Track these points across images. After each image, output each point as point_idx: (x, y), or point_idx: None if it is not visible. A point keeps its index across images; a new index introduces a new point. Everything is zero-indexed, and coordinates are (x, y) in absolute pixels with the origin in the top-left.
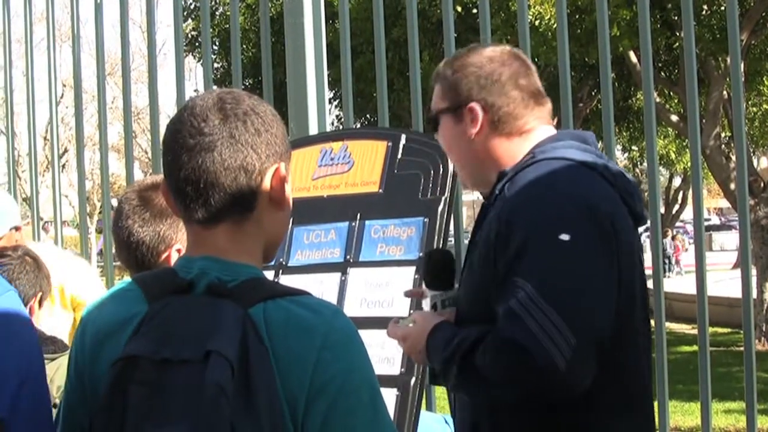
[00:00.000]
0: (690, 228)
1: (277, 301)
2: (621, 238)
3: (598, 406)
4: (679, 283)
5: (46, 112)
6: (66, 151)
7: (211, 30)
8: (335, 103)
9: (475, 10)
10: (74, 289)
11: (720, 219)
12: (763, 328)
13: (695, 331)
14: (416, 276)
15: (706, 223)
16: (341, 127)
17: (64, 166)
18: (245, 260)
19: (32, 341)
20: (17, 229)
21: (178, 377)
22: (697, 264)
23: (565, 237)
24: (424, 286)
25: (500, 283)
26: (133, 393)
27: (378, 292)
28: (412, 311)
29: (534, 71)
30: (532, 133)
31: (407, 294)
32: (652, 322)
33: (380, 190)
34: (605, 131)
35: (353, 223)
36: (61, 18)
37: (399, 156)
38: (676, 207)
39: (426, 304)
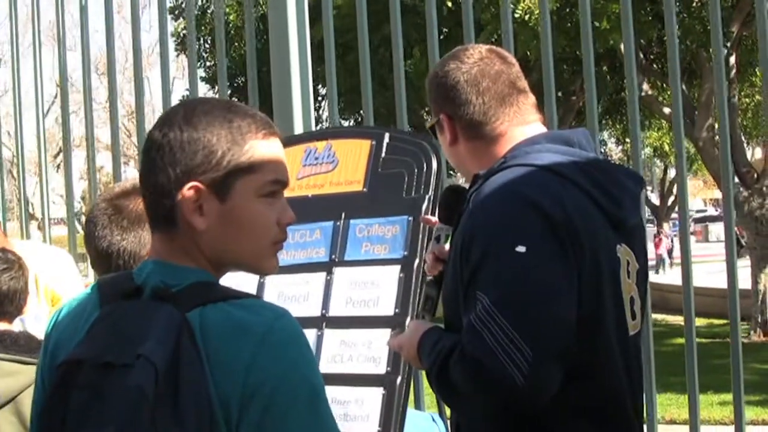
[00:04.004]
0: None
1: (217, 305)
2: (583, 245)
3: (573, 414)
4: (675, 275)
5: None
6: (60, 151)
7: (202, 28)
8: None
9: None
10: (50, 282)
11: (716, 210)
12: (759, 319)
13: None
14: (401, 275)
15: (702, 215)
16: (340, 122)
17: (59, 166)
18: (192, 265)
19: None
20: None
21: (115, 381)
22: (682, 258)
23: (521, 249)
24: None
25: (464, 294)
26: (74, 397)
27: (363, 292)
28: (397, 310)
29: (510, 67)
30: (506, 136)
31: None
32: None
33: (364, 189)
34: (589, 127)
35: (338, 223)
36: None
37: (383, 155)
38: (672, 198)
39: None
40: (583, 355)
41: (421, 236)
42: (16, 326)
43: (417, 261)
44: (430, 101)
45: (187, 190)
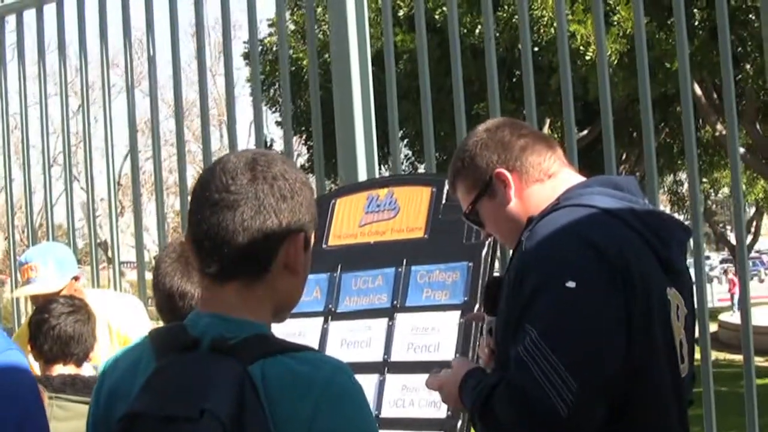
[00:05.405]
0: (766, 258)
1: (277, 358)
2: (635, 285)
3: None
4: (753, 314)
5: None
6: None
7: (277, 73)
8: (404, 142)
9: (536, 48)
10: (121, 327)
11: None
12: None
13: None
14: (462, 320)
15: None
16: (414, 164)
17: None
18: (252, 318)
19: (32, 398)
20: (76, 278)
21: None
22: (741, 296)
23: (571, 284)
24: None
25: (514, 329)
26: None
27: (424, 337)
28: (457, 355)
29: (526, 125)
30: (558, 175)
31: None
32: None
33: (425, 236)
34: (648, 174)
35: (399, 269)
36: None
37: (443, 201)
38: (749, 238)
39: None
40: (634, 391)
41: (481, 282)
42: (87, 373)
43: (477, 306)
44: (474, 172)
45: (296, 239)
